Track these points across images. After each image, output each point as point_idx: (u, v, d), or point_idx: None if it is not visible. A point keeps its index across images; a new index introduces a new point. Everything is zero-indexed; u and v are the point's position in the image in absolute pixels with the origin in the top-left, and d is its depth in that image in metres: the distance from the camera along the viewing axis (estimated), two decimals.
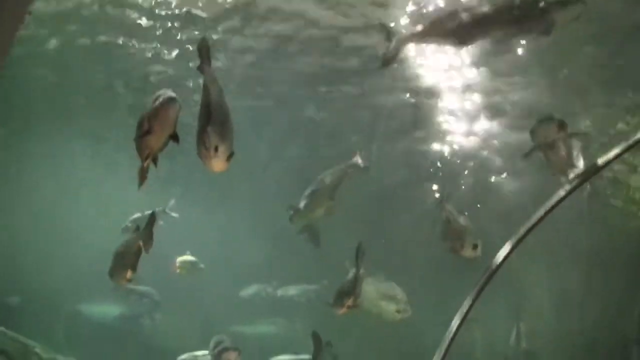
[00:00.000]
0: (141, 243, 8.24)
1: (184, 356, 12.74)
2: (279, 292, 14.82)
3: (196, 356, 12.64)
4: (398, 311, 10.26)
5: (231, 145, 5.55)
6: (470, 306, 8.59)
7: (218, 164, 5.53)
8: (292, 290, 14.87)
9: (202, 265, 13.37)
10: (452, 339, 8.63)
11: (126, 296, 14.43)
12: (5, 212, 13.79)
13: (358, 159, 9.98)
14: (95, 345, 14.28)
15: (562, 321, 13.75)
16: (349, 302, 9.87)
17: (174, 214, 13.08)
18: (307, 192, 9.89)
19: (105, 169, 14.90)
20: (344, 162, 9.89)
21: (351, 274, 10.04)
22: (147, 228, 8.35)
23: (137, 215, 12.68)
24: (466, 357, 13.82)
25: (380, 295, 10.52)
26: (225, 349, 10.14)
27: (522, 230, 8.32)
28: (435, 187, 13.70)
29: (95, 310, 14.98)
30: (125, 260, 8.28)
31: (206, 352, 12.55)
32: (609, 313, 13.28)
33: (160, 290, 14.49)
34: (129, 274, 8.34)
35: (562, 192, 8.00)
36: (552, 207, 8.09)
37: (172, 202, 13.18)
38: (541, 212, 8.16)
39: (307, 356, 12.91)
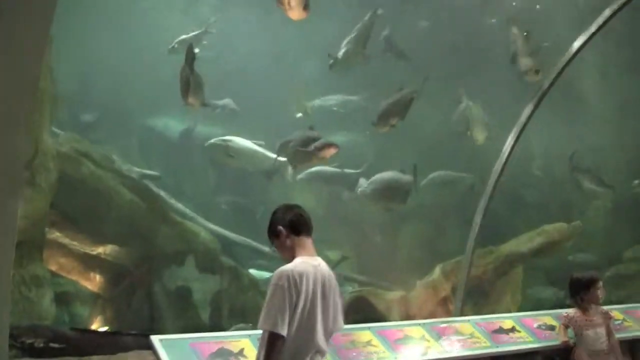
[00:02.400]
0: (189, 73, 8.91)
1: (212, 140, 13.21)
2: (317, 102, 14.90)
3: (225, 140, 13.05)
4: (489, 139, 11.35)
5: None
6: (529, 117, 8.78)
7: (295, 14, 5.84)
8: (331, 101, 15.08)
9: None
10: (514, 144, 8.93)
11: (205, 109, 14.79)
12: (79, 30, 13.87)
13: (378, 10, 10.65)
14: (166, 156, 15.11)
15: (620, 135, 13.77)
16: (394, 121, 10.11)
17: (212, 31, 13.77)
18: (344, 41, 10.18)
19: None
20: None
21: (402, 95, 10.16)
22: (186, 61, 8.95)
23: (182, 37, 13.11)
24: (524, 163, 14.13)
25: (481, 121, 11.61)
26: (328, 144, 9.90)
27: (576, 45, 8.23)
28: None
29: (167, 124, 15.57)
30: (186, 86, 8.96)
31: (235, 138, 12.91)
32: None
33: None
34: (193, 98, 9.06)
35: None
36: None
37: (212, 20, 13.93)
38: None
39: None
